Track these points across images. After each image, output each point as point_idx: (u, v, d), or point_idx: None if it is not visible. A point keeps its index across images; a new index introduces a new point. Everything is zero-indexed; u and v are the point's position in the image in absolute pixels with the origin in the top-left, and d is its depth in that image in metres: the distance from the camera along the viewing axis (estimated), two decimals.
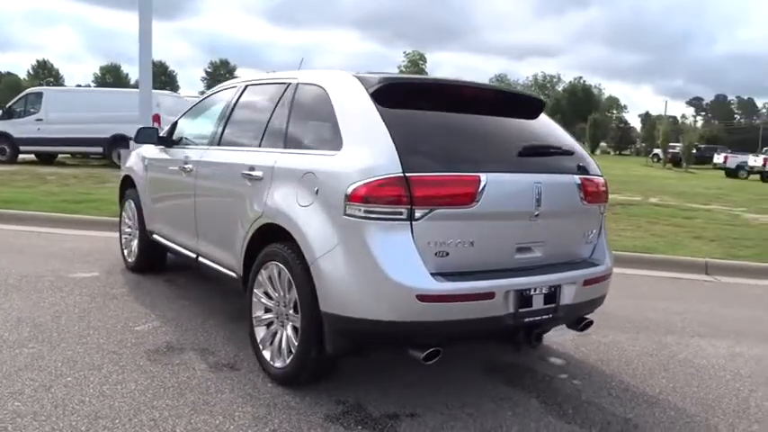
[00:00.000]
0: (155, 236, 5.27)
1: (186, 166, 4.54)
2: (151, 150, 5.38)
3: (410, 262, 2.96)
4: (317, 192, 3.20)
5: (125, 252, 5.90)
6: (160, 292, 5.12)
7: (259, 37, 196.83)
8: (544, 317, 3.31)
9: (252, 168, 3.75)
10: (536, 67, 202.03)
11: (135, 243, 5.72)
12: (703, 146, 46.90)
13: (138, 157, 5.65)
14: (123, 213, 5.94)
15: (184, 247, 4.67)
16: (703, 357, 4.41)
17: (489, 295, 3.06)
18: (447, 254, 3.05)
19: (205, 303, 4.87)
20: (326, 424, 3.08)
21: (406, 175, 2.96)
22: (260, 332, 3.67)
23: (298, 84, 3.81)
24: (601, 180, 3.72)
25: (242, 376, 3.58)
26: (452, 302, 2.98)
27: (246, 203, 3.75)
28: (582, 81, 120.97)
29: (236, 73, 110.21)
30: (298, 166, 3.39)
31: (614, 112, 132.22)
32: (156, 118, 16.54)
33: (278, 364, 3.47)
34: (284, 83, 3.97)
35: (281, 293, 3.48)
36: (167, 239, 5.01)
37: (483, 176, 3.09)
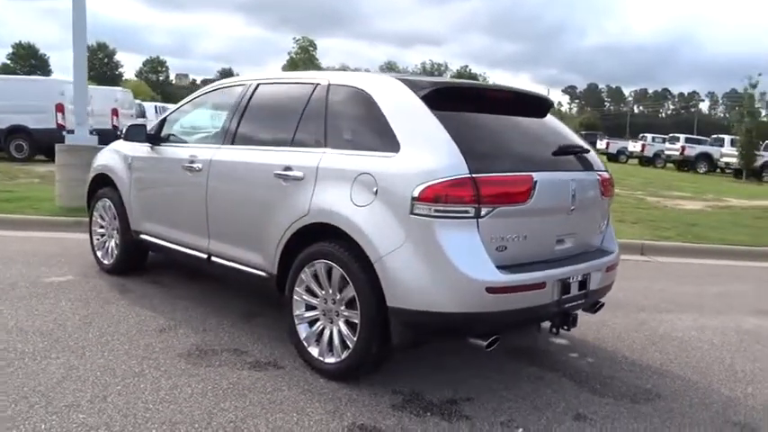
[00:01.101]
0: (143, 236, 5.12)
1: (193, 165, 4.47)
2: (134, 148, 5.19)
3: (478, 257, 3.17)
4: (375, 192, 3.32)
5: (98, 254, 5.66)
6: (153, 294, 4.99)
7: (137, 19, 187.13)
8: (579, 302, 3.64)
9: (288, 168, 3.79)
10: (423, 55, 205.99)
11: (112, 244, 5.51)
12: (584, 132, 50.01)
13: (116, 155, 5.43)
14: (95, 214, 5.68)
15: (190, 248, 4.59)
16: (679, 330, 4.94)
17: (542, 285, 3.33)
18: (505, 248, 3.29)
19: (208, 304, 4.81)
20: (397, 413, 3.23)
21: (473, 175, 3.15)
22: (302, 330, 3.74)
23: (329, 85, 3.88)
24: (608, 175, 4.09)
25: (289, 374, 3.64)
26: (514, 293, 3.22)
27: (283, 203, 3.79)
28: (468, 70, 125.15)
29: (117, 57, 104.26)
30: (349, 167, 3.49)
31: None
32: (60, 108, 15.59)
33: (330, 360, 3.57)
34: (311, 83, 4.02)
35: (330, 291, 3.57)
36: (162, 240, 4.89)
37: (535, 175, 3.35)
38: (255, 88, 4.38)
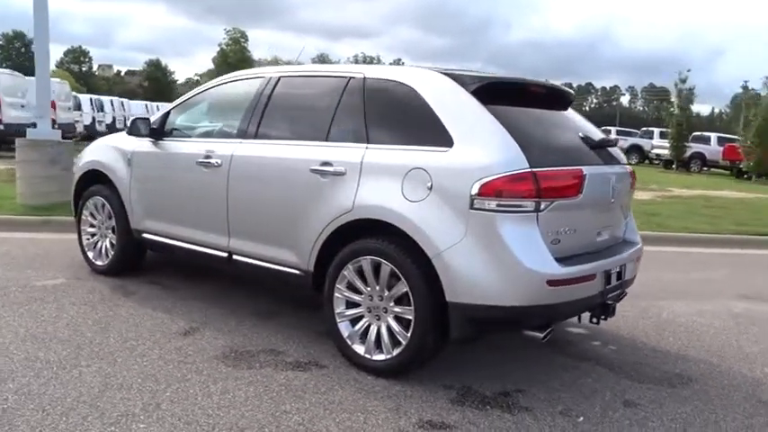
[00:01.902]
0: (146, 235, 4.90)
1: (211, 161, 4.31)
2: (134, 143, 4.97)
3: (539, 250, 3.21)
4: (430, 187, 3.30)
5: (89, 255, 5.38)
6: (159, 296, 4.79)
7: (55, 6, 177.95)
8: (617, 292, 3.74)
9: (327, 164, 3.71)
10: (353, 47, 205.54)
11: (106, 244, 5.26)
12: None
13: (112, 151, 5.17)
14: (84, 213, 5.40)
15: (205, 246, 4.43)
16: (681, 316, 5.16)
17: (593, 277, 3.41)
18: (559, 241, 3.34)
19: (221, 304, 4.67)
20: (457, 407, 3.24)
21: (533, 169, 3.19)
22: (344, 328, 3.69)
23: (365, 78, 3.82)
24: (632, 168, 4.22)
25: (335, 373, 3.58)
26: (570, 285, 3.28)
27: (321, 200, 3.71)
28: (401, 63, 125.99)
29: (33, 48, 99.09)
30: (399, 162, 3.45)
31: None
32: None
33: (378, 357, 3.54)
34: (342, 77, 3.95)
35: (377, 287, 3.53)
36: (170, 239, 4.70)
37: (584, 169, 3.42)
38: (277, 81, 4.26)
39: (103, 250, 5.29)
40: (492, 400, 3.36)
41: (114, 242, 5.17)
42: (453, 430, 3.01)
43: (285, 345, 3.96)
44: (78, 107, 22.57)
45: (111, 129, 27.39)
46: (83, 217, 5.43)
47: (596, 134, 4.01)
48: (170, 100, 60.29)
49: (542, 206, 3.21)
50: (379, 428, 2.99)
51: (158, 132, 4.82)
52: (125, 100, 32.36)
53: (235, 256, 4.26)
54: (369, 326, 3.61)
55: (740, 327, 4.98)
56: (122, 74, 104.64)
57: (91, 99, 25.21)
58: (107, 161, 5.16)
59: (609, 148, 3.99)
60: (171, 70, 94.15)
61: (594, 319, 3.75)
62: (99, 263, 5.31)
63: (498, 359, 3.92)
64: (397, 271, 3.41)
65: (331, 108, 3.89)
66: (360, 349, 3.61)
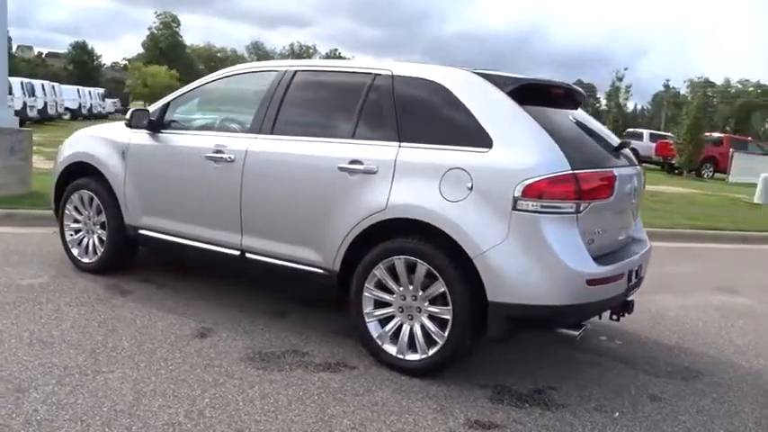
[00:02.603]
0: (142, 232, 4.70)
1: (222, 156, 4.17)
2: (129, 134, 4.75)
3: (580, 251, 3.27)
4: (470, 187, 3.31)
5: (74, 251, 5.12)
6: (158, 295, 4.61)
7: None
8: (635, 289, 3.86)
9: (356, 162, 3.65)
10: (288, 36, 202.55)
11: (94, 240, 5.01)
12: None
13: (102, 142, 4.92)
14: (68, 207, 5.12)
15: (214, 244, 4.29)
16: (669, 310, 5.37)
17: (622, 276, 3.51)
18: (593, 241, 3.42)
19: (227, 303, 4.53)
20: (498, 405, 3.28)
21: (574, 172, 3.24)
22: (373, 328, 3.66)
23: (394, 76, 3.77)
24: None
25: (367, 374, 3.54)
26: (605, 284, 3.37)
27: (350, 198, 3.65)
28: (338, 53, 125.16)
29: None
30: (436, 162, 3.43)
31: None
32: None
33: (412, 357, 3.53)
34: (367, 73, 3.89)
35: (410, 287, 3.52)
36: (171, 236, 4.52)
37: (615, 171, 3.51)
38: (293, 76, 4.16)
39: (91, 247, 5.04)
40: (529, 397, 3.41)
41: (105, 238, 4.92)
42: (502, 429, 3.04)
43: (306, 345, 3.88)
44: (9, 91, 21.26)
45: (43, 114, 26.10)
46: (66, 212, 5.15)
47: (612, 135, 4.11)
48: (98, 85, 57.84)
49: (582, 207, 3.27)
50: (431, 430, 2.99)
51: (157, 124, 4.62)
52: (56, 84, 30.77)
53: (248, 255, 4.14)
54: (400, 326, 3.59)
55: (726, 320, 5.23)
56: (44, 56, 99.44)
57: (22, 83, 23.84)
58: (96, 153, 4.91)
59: (625, 149, 4.10)
60: (97, 54, 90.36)
61: (614, 316, 3.86)
62: (85, 260, 5.05)
63: (523, 357, 3.97)
64: (434, 271, 3.40)
65: (356, 105, 3.83)
66: (391, 349, 3.59)
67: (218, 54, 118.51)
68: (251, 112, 4.25)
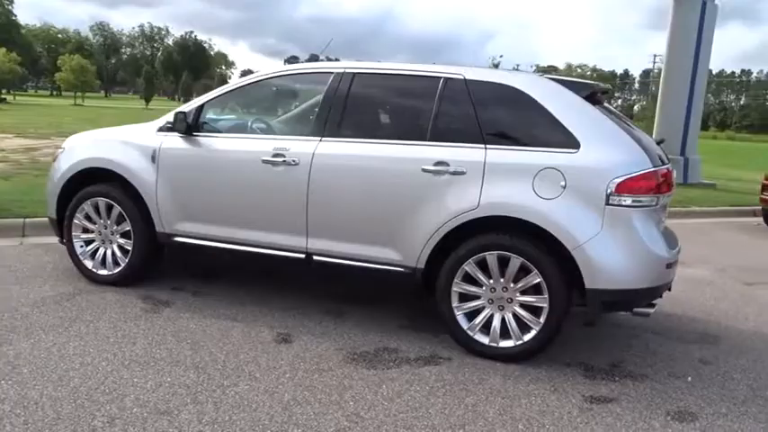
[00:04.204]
0: (179, 239, 4.54)
1: (285, 159, 4.15)
2: (157, 138, 4.55)
3: (660, 239, 3.71)
4: (564, 185, 3.62)
5: (87, 264, 4.81)
6: (204, 303, 4.49)
7: None
8: None
9: (442, 163, 3.83)
10: (132, 17, 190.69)
11: (112, 250, 4.75)
12: None
13: (125, 147, 4.65)
14: (77, 216, 4.80)
15: (275, 249, 4.26)
16: None
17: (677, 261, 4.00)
18: (660, 230, 3.87)
19: (276, 305, 4.53)
20: (598, 381, 3.64)
21: (655, 169, 3.66)
22: (462, 320, 3.88)
23: (466, 80, 3.97)
24: None
25: (465, 363, 3.76)
26: (674, 267, 3.84)
27: (437, 198, 3.82)
28: (193, 36, 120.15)
29: None
30: (529, 162, 3.70)
31: (223, 68, 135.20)
32: None
33: (506, 344, 3.80)
34: (434, 77, 4.04)
35: (500, 280, 3.78)
36: (219, 242, 4.42)
37: (670, 168, 3.98)
38: (352, 78, 4.21)
39: (109, 258, 4.76)
40: (613, 371, 3.81)
41: (129, 248, 4.68)
42: (617, 402, 3.41)
43: (389, 341, 4.02)
44: None
45: None
46: (74, 221, 4.82)
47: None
48: None
49: (658, 201, 3.70)
50: (563, 408, 3.28)
51: (193, 128, 4.47)
52: None
53: (316, 257, 4.18)
54: (491, 316, 3.84)
55: (698, 288, 5.98)
56: None
57: None
58: (118, 158, 4.64)
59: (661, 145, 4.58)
60: None
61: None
62: (103, 272, 4.77)
63: (574, 336, 4.36)
64: (528, 263, 3.68)
65: (429, 108, 3.99)
66: (483, 339, 3.83)
67: (59, 36, 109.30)
68: (310, 115, 4.25)
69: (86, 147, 4.87)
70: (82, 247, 4.84)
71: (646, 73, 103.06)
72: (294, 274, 5.25)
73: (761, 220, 10.04)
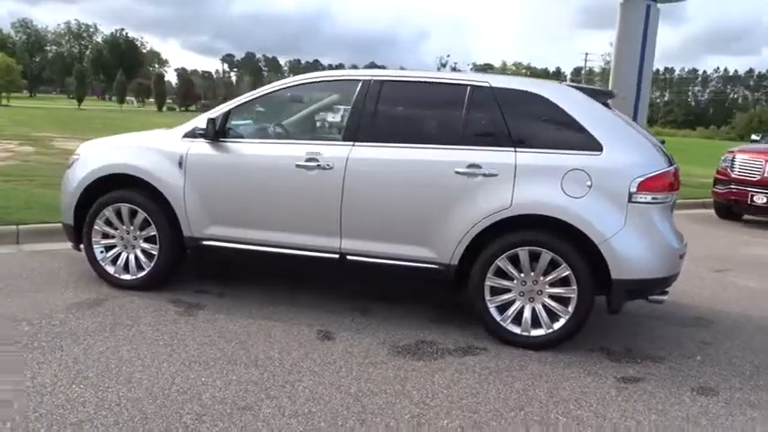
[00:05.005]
0: (208, 242, 4.64)
1: (319, 164, 4.32)
2: (184, 144, 4.64)
3: (674, 232, 4.10)
4: (590, 185, 3.94)
5: (108, 269, 4.84)
6: (231, 305, 4.59)
7: None
8: None
9: (475, 166, 4.08)
10: (55, 13, 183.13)
11: (135, 255, 4.80)
12: None
13: (150, 152, 4.70)
14: (98, 222, 4.81)
15: (308, 250, 4.42)
16: None
17: None
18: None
19: (309, 305, 4.68)
20: (623, 363, 3.98)
21: (669, 168, 4.03)
22: (495, 312, 4.16)
23: (493, 87, 4.24)
24: None
25: (503, 353, 4.01)
26: (683, 259, 4.24)
27: (471, 199, 4.07)
28: (124, 33, 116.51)
29: None
30: (557, 164, 4.00)
31: (156, 66, 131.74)
32: None
33: (537, 333, 4.09)
34: (461, 84, 4.30)
35: (530, 273, 4.07)
36: (249, 244, 4.54)
37: (677, 167, 4.37)
38: (381, 85, 4.42)
39: (132, 263, 4.81)
40: (631, 354, 4.16)
41: (154, 252, 4.74)
42: (646, 381, 3.76)
43: (423, 334, 4.25)
44: None
45: None
46: (95, 227, 4.83)
47: None
48: None
49: (672, 198, 4.08)
50: (601, 388, 3.60)
51: (221, 134, 4.59)
52: None
53: (349, 257, 4.37)
54: (522, 307, 4.13)
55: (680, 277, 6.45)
56: None
57: None
58: (143, 164, 4.69)
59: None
60: None
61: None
62: (126, 277, 4.81)
63: (589, 325, 4.69)
64: (558, 257, 3.99)
65: (458, 114, 4.24)
66: (515, 329, 4.12)
67: None
68: (341, 121, 4.43)
69: (106, 153, 4.89)
70: (102, 252, 4.86)
71: (577, 71, 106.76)
72: (311, 274, 5.41)
73: (713, 212, 10.78)
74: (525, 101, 4.21)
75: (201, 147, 4.61)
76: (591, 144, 4.02)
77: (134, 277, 4.80)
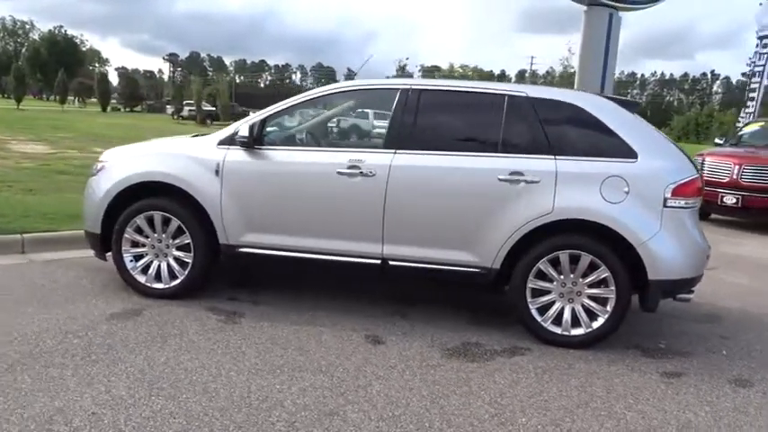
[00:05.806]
0: (246, 250, 4.65)
1: (362, 171, 4.40)
2: (219, 152, 4.64)
3: (701, 234, 4.37)
4: (627, 191, 4.16)
5: (140, 279, 4.79)
6: (271, 312, 4.62)
7: None
8: None
9: (517, 173, 4.25)
10: None
11: (168, 263, 4.77)
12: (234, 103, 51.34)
13: (184, 160, 4.68)
14: (128, 230, 4.76)
15: (350, 255, 4.49)
16: None
17: None
18: None
19: (348, 310, 4.75)
20: (658, 359, 4.21)
21: (698, 174, 4.30)
22: (536, 313, 4.33)
23: (530, 97, 4.41)
24: None
25: (546, 353, 4.18)
26: (708, 259, 4.51)
27: (513, 205, 4.24)
28: (63, 30, 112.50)
29: None
30: (596, 171, 4.20)
31: (97, 65, 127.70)
32: None
33: (577, 332, 4.29)
34: (498, 94, 4.47)
35: (570, 275, 4.27)
36: (293, 251, 4.57)
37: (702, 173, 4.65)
38: (419, 95, 4.53)
39: (164, 272, 4.77)
40: (663, 350, 4.41)
41: (189, 260, 4.72)
42: (686, 375, 4.00)
43: (468, 336, 4.39)
44: None
45: None
46: (125, 236, 4.78)
47: None
48: None
49: (699, 202, 4.35)
50: (648, 382, 3.82)
51: (257, 141, 4.62)
52: None
53: (391, 262, 4.47)
54: (562, 308, 4.31)
55: None
56: None
57: None
58: (178, 172, 4.66)
59: None
60: None
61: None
62: (159, 286, 4.78)
63: (639, 323, 4.85)
64: (597, 260, 4.20)
65: (497, 123, 4.40)
66: (556, 329, 4.30)
67: None
68: (381, 129, 4.52)
69: (137, 161, 4.84)
70: (132, 261, 4.80)
71: (521, 73, 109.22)
72: (339, 279, 5.47)
73: None
74: (562, 110, 4.41)
75: (238, 154, 4.62)
76: (626, 151, 4.24)
77: (167, 286, 4.76)
